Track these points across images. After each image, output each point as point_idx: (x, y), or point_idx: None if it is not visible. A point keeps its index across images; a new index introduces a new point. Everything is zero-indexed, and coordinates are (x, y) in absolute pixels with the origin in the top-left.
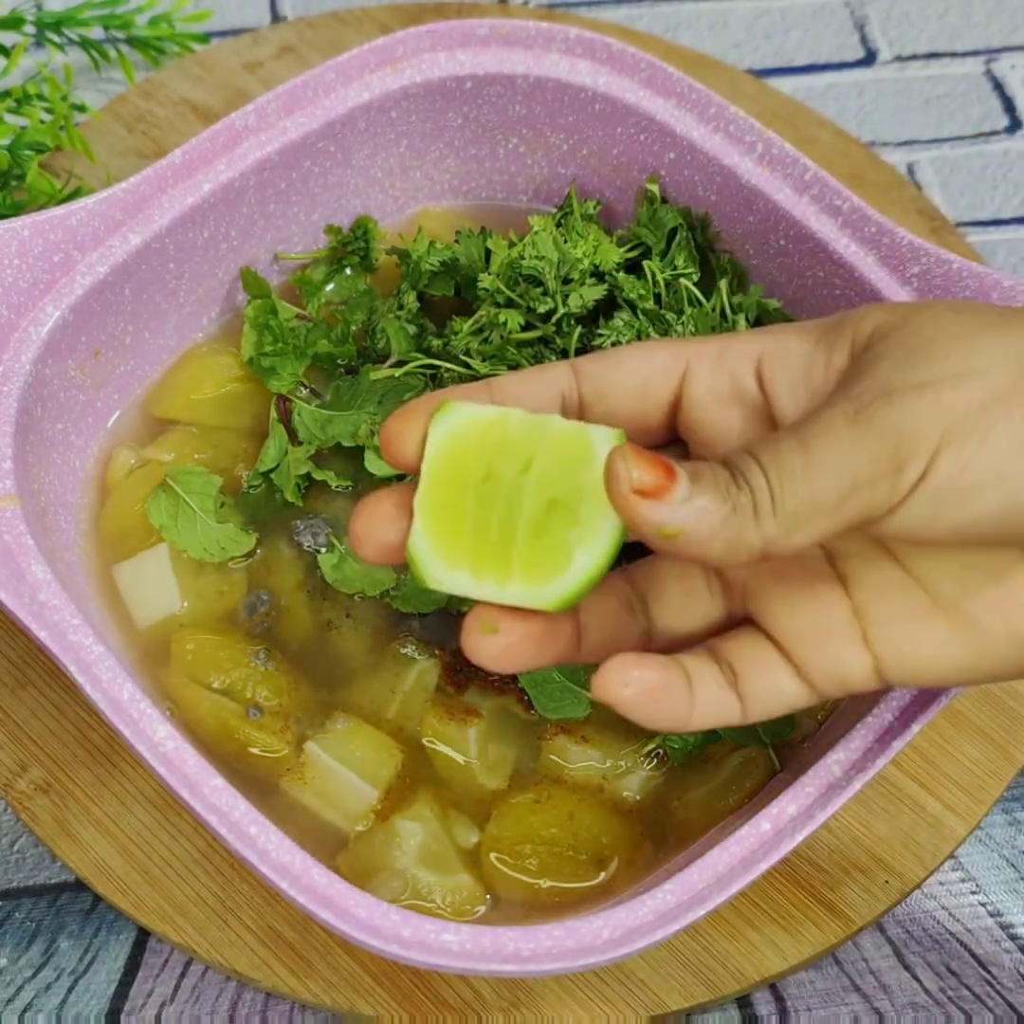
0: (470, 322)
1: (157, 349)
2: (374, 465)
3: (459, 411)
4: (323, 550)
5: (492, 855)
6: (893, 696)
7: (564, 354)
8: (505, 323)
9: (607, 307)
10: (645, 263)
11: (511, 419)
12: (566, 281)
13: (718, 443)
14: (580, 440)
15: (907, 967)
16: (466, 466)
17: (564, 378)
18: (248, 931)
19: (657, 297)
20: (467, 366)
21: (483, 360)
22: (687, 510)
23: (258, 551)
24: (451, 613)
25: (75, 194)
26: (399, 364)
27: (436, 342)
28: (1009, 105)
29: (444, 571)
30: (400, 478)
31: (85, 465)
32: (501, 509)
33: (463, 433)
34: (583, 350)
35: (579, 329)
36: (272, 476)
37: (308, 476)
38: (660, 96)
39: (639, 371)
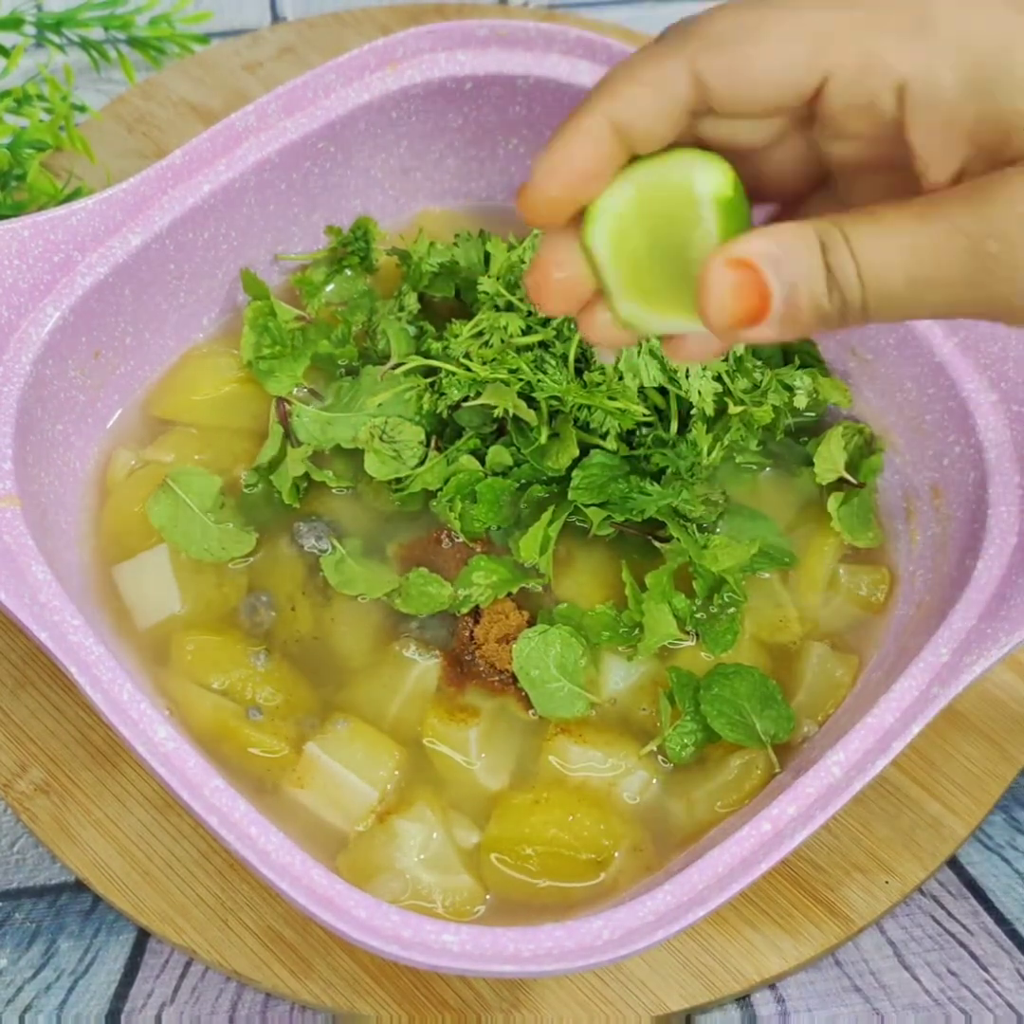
0: (470, 325)
1: (157, 350)
2: (374, 467)
3: (605, 206)
4: (325, 552)
5: (492, 855)
6: (893, 697)
7: (564, 360)
8: (505, 327)
9: None
10: None
11: (642, 190)
12: None
13: (848, 164)
14: (688, 198)
15: (907, 968)
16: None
17: (683, 87)
18: (248, 932)
19: None
20: (467, 369)
21: (483, 363)
22: (777, 331)
23: (259, 552)
24: (452, 615)
25: (75, 194)
26: (399, 366)
27: (435, 345)
28: None
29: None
30: (398, 480)
31: (85, 466)
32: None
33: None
34: (583, 355)
35: (580, 333)
36: (271, 477)
37: (307, 477)
38: None
39: (769, 77)
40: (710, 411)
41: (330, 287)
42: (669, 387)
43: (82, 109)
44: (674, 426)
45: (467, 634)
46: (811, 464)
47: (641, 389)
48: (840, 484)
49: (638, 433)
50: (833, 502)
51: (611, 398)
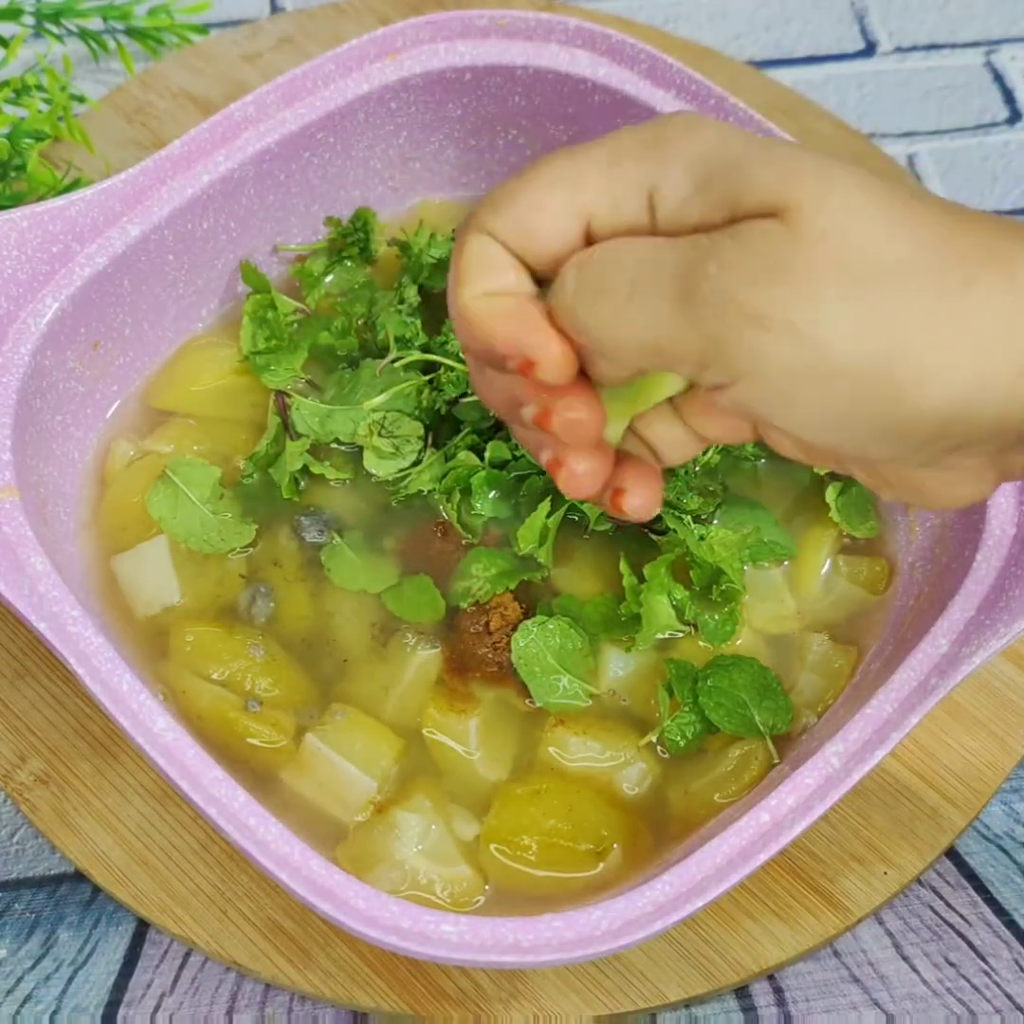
0: None
1: (156, 340)
2: (373, 464)
3: None
4: (327, 544)
5: (491, 846)
6: (892, 688)
7: None
8: None
9: None
10: None
11: None
12: None
13: None
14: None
15: (905, 958)
16: None
17: (496, 251)
18: (247, 922)
19: None
20: (465, 363)
21: None
22: None
23: (258, 543)
24: (452, 606)
25: (74, 185)
26: (398, 360)
27: (435, 340)
28: (1009, 96)
29: None
30: (395, 480)
31: (84, 457)
32: None
33: None
34: None
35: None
36: (270, 470)
37: (306, 469)
38: (660, 87)
39: (542, 228)
40: None
41: (329, 278)
42: None
43: (81, 99)
44: None
45: (466, 625)
46: None
47: None
48: (838, 474)
49: None
50: (831, 492)
51: None
